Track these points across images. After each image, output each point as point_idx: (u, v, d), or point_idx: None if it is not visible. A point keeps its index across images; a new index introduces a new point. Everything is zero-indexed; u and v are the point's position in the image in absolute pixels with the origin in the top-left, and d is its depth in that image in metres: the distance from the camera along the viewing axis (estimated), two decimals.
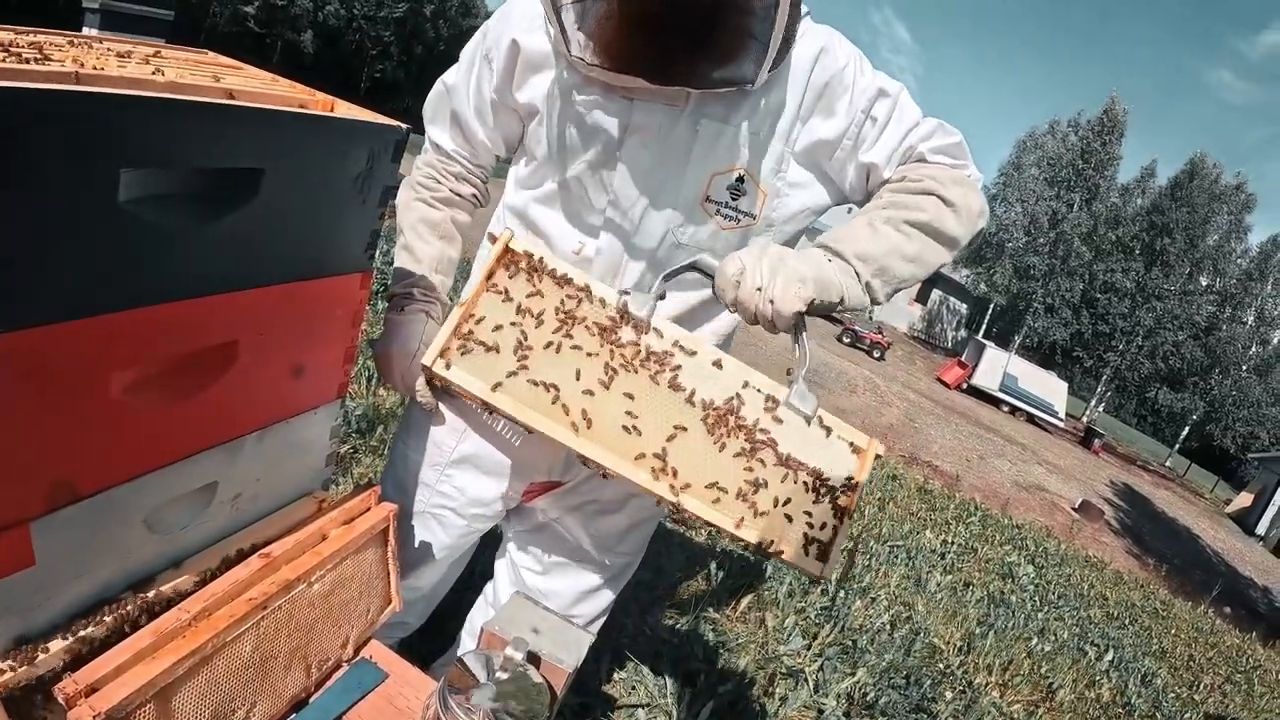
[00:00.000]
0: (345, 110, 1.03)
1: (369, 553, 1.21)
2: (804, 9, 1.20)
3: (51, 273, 0.73)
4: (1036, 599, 5.92)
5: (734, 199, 1.26)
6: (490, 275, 1.18)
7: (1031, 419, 27.46)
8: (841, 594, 4.00)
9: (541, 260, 1.18)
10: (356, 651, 1.19)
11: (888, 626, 3.96)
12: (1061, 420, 29.09)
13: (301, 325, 1.07)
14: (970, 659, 4.27)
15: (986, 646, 4.42)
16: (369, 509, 1.22)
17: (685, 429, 1.08)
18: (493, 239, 1.27)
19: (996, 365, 27.47)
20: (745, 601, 3.55)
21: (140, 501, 0.93)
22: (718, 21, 1.09)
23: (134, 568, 0.96)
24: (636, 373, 1.10)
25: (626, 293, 1.16)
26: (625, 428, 1.02)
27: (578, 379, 1.05)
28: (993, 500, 10.03)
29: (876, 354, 23.34)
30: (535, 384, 1.03)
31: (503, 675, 0.97)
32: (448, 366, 1.12)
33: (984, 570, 6.11)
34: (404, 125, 1.05)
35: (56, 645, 0.86)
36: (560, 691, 1.05)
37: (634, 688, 2.75)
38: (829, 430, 1.18)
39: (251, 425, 1.06)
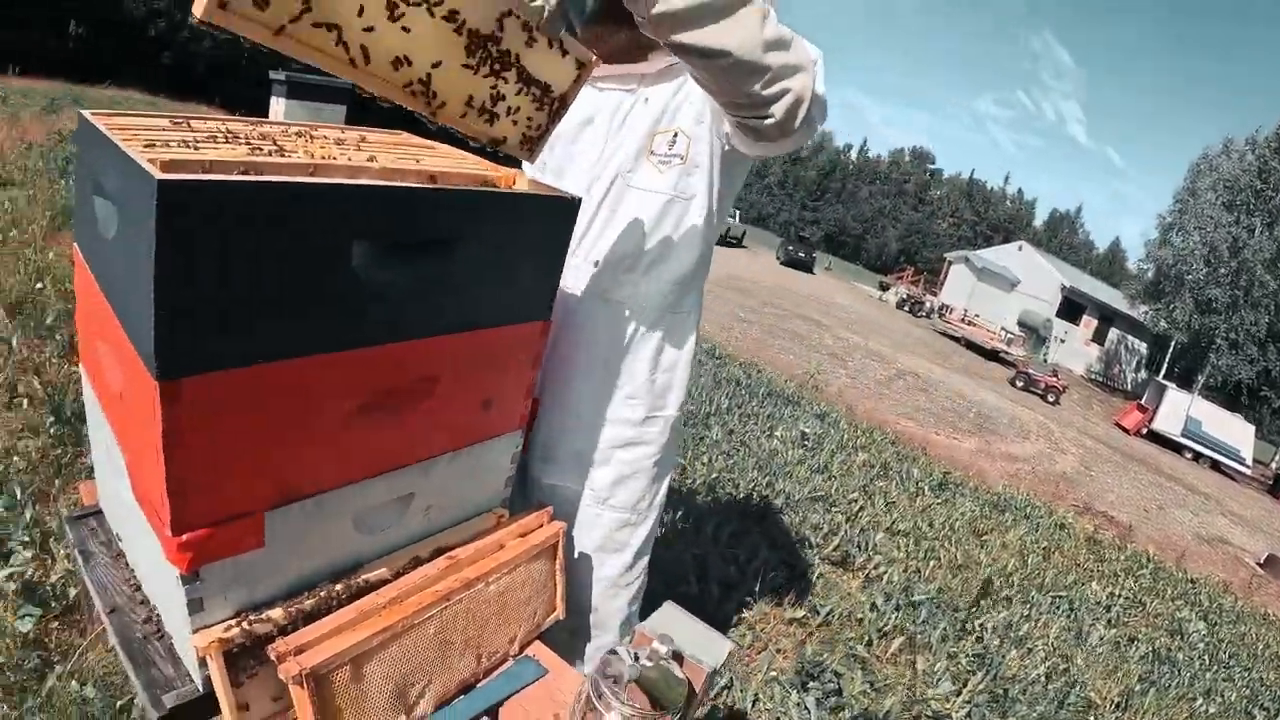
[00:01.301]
0: (524, 185, 1.21)
1: (539, 563, 1.34)
2: None
3: (296, 319, 0.91)
4: (1206, 657, 5.44)
5: (669, 148, 1.47)
6: None
7: (1216, 465, 25.29)
8: (996, 642, 3.88)
9: None
10: (521, 649, 1.31)
11: (1043, 678, 3.78)
12: (1248, 467, 26.60)
13: (490, 365, 1.23)
14: (1127, 716, 4.02)
15: (1146, 704, 4.14)
16: (542, 525, 1.37)
17: (447, 58, 1.06)
18: None
19: (1178, 408, 25.47)
20: (897, 644, 3.52)
21: (351, 504, 1.10)
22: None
23: (341, 558, 1.13)
24: (417, 6, 1.08)
25: None
26: (396, 59, 1.08)
27: (360, 15, 0.97)
28: (1168, 553, 9.32)
29: (1051, 398, 22.12)
30: (318, 25, 0.95)
31: (648, 664, 1.06)
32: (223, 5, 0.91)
33: (1151, 625, 5.68)
34: (577, 196, 1.23)
35: (274, 613, 1.03)
36: (700, 690, 1.12)
37: (779, 718, 2.81)
38: (566, 51, 1.15)
39: (445, 447, 1.22)
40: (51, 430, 3.08)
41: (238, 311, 0.86)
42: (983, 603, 4.43)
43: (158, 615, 1.16)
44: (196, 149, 0.94)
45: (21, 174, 7.63)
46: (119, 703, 1.96)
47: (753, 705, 2.80)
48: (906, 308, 34.11)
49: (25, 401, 3.29)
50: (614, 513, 1.64)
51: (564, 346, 1.55)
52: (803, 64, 1.17)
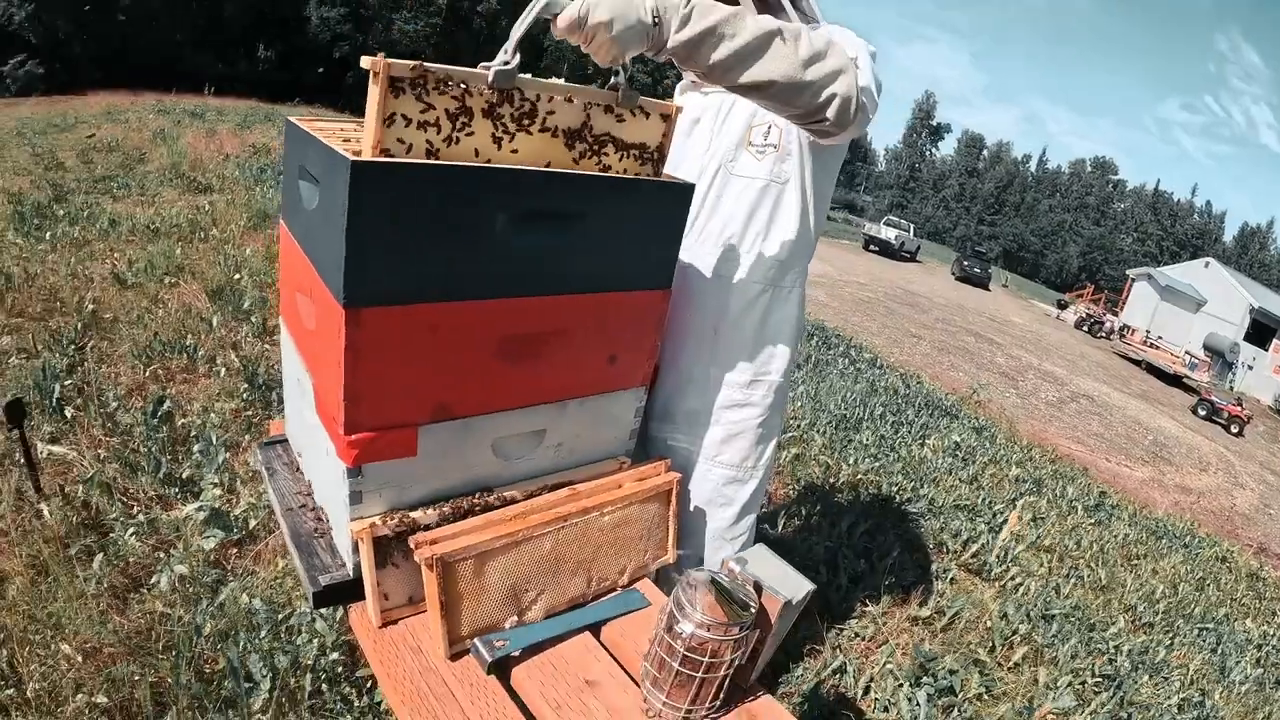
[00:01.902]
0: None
1: (653, 505, 1.48)
2: (813, 22, 1.57)
3: (458, 272, 1.13)
4: None
5: (765, 139, 1.61)
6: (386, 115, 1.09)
7: None
8: (1129, 666, 3.72)
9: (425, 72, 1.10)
10: (631, 582, 1.45)
11: (1174, 708, 3.60)
12: None
13: (616, 324, 1.39)
14: None
15: None
16: (660, 474, 1.52)
17: (555, 157, 1.23)
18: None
19: None
20: (1021, 653, 3.43)
21: (492, 430, 1.30)
22: None
23: (478, 476, 1.33)
24: (517, 133, 1.17)
25: (488, 67, 1.15)
26: None
27: (476, 156, 1.14)
28: None
29: (1235, 429, 20.25)
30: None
31: (722, 579, 1.16)
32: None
33: None
34: (690, 182, 1.41)
35: (416, 514, 1.23)
36: (774, 620, 1.23)
37: (888, 708, 2.84)
38: (648, 113, 1.31)
39: (575, 392, 1.40)
40: (244, 395, 3.56)
41: (407, 261, 1.08)
42: (1122, 624, 4.24)
43: (324, 516, 1.39)
44: None
45: (220, 181, 8.62)
46: (279, 615, 2.25)
47: (863, 694, 2.84)
48: (1085, 327, 32.07)
49: (223, 370, 3.82)
50: (722, 469, 1.76)
51: (679, 315, 1.69)
52: (842, 67, 1.30)
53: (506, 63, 1.12)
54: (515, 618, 1.26)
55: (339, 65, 35.46)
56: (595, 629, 1.33)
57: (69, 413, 3.18)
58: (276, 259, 5.63)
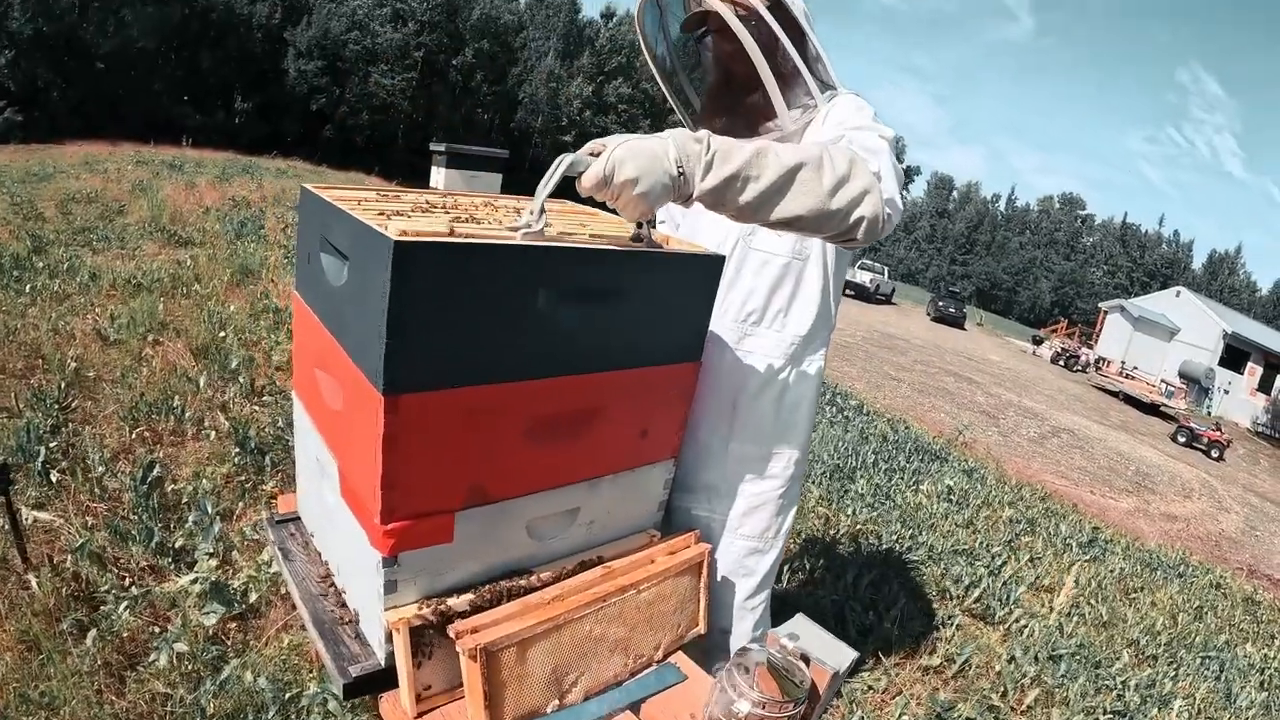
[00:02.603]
0: (676, 245, 1.38)
1: (685, 579, 1.45)
2: (828, 89, 1.63)
3: (492, 352, 1.10)
4: None
5: None
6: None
7: None
8: (1138, 700, 3.69)
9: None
10: (665, 656, 1.41)
11: None
12: None
13: (649, 398, 1.38)
14: None
15: None
16: (689, 546, 1.49)
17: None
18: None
19: None
20: (1033, 695, 3.39)
21: (526, 512, 1.26)
22: (749, 94, 1.57)
23: (512, 559, 1.29)
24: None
25: (515, 229, 1.17)
26: None
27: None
28: None
29: (1215, 453, 20.38)
30: None
31: (775, 656, 1.15)
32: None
33: None
34: (721, 254, 1.40)
35: (453, 600, 1.19)
36: (823, 691, 1.20)
37: None
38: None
39: (608, 469, 1.37)
40: (236, 460, 3.46)
41: (447, 344, 1.05)
42: (1126, 659, 4.21)
43: (347, 601, 1.34)
44: (409, 217, 1.16)
45: (201, 235, 8.56)
46: (287, 695, 2.17)
47: None
48: (1061, 362, 32.33)
49: (213, 433, 3.72)
50: (743, 541, 1.74)
51: (698, 387, 1.67)
52: (868, 187, 1.30)
53: (530, 225, 1.13)
54: (557, 701, 1.22)
55: (317, 118, 35.73)
56: (635, 707, 1.30)
57: (54, 476, 3.08)
58: (261, 315, 5.61)
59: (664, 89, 1.81)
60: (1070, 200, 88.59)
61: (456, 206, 1.39)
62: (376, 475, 1.06)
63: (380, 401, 1.01)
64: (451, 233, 1.05)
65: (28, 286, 5.55)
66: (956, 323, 36.71)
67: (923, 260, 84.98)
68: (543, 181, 1.13)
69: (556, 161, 1.13)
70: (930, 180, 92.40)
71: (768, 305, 1.65)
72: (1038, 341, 38.16)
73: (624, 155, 1.13)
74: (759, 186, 1.20)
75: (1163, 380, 29.20)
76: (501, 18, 44.76)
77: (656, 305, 1.31)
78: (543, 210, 1.13)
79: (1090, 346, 38.14)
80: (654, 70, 1.79)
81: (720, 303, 1.64)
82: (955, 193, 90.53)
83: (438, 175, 10.53)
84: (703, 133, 1.20)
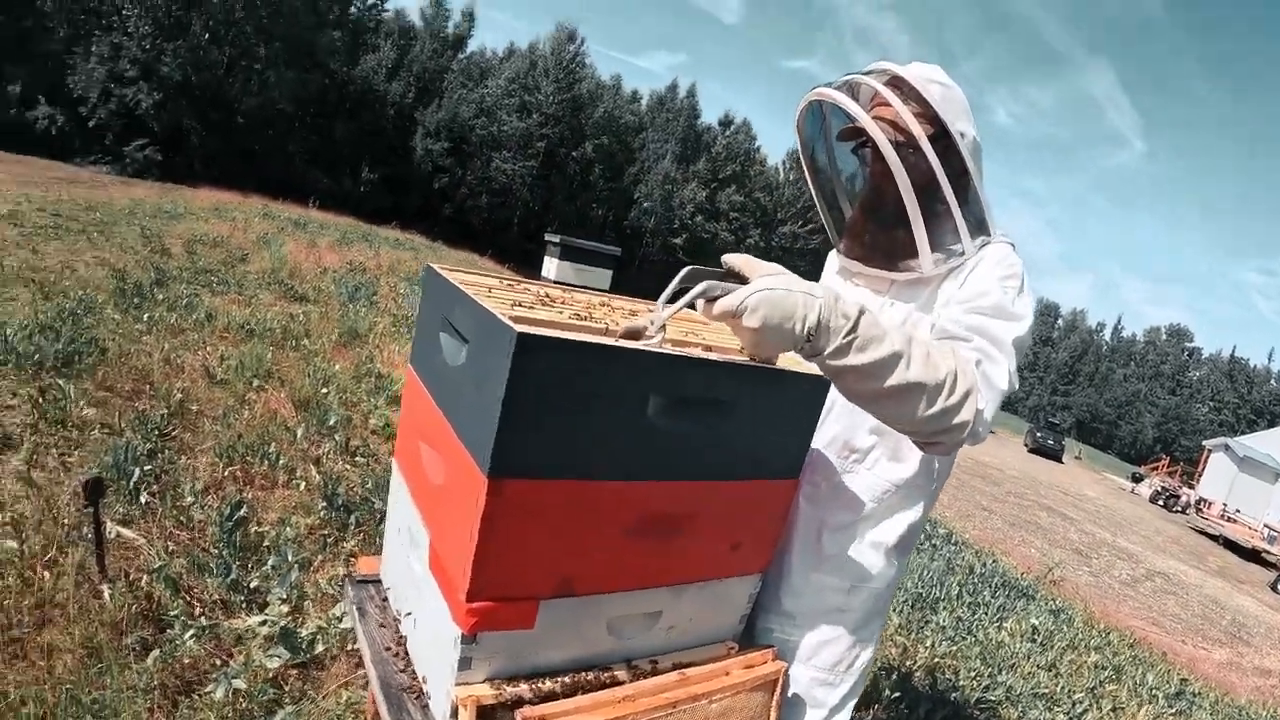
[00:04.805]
0: (784, 361, 1.36)
1: (758, 696, 1.40)
2: (981, 235, 1.54)
3: (599, 449, 1.11)
4: None
5: None
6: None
7: None
8: None
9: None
10: None
11: None
12: None
13: (744, 512, 1.36)
14: None
15: None
16: (766, 662, 1.45)
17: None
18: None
19: None
20: None
21: (610, 609, 1.25)
22: (894, 226, 1.50)
23: (589, 653, 1.27)
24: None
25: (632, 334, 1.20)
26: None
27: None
28: None
29: None
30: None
31: None
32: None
33: None
34: (827, 379, 1.34)
35: (524, 686, 1.18)
36: None
37: None
38: None
39: (695, 577, 1.35)
40: (321, 513, 3.53)
41: (555, 436, 1.06)
42: None
43: (418, 669, 1.33)
44: (531, 309, 1.21)
45: (316, 293, 8.92)
46: None
47: None
48: (1160, 501, 30.75)
49: (303, 484, 3.82)
50: (814, 671, 1.65)
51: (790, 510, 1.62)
52: (969, 420, 1.31)
53: (649, 336, 1.17)
54: None
55: (438, 195, 37.32)
56: None
57: (144, 498, 3.20)
58: (363, 378, 5.77)
59: (813, 194, 1.77)
60: (1178, 332, 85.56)
61: (576, 303, 1.43)
62: (469, 554, 1.07)
63: (484, 483, 1.03)
64: (571, 329, 1.09)
65: (145, 315, 5.88)
66: (1054, 455, 35.58)
67: (1023, 388, 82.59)
68: (675, 301, 1.17)
69: (687, 274, 1.18)
70: (1036, 307, 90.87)
71: (871, 446, 1.58)
72: (1137, 479, 36.53)
73: (759, 303, 1.14)
74: (871, 385, 1.24)
75: (1265, 525, 27.35)
76: (623, 117, 46.30)
77: (761, 420, 1.30)
78: (663, 327, 1.16)
79: (1191, 486, 36.18)
80: (806, 173, 1.76)
81: (822, 427, 1.59)
82: (1060, 320, 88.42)
83: (550, 265, 10.86)
84: (854, 307, 1.22)
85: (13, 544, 2.64)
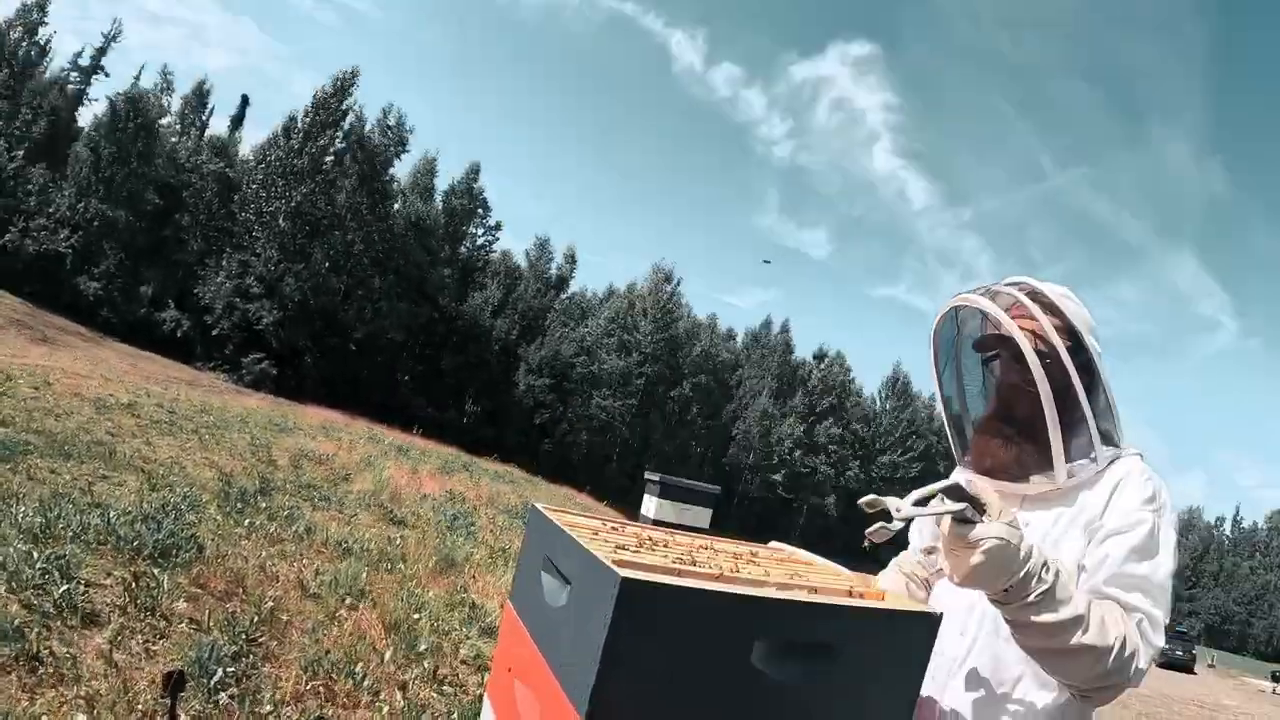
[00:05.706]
0: (891, 601, 1.36)
1: None
2: (1110, 445, 1.52)
3: (696, 695, 1.10)
4: None
5: None
6: None
7: None
8: None
9: None
10: None
11: None
12: None
13: None
14: None
15: None
16: None
17: None
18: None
19: None
20: None
21: None
22: (1027, 438, 1.51)
23: None
24: None
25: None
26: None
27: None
28: None
29: None
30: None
31: None
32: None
33: None
34: (938, 611, 1.31)
35: None
36: None
37: None
38: None
39: None
40: None
41: (654, 682, 1.07)
42: None
43: None
44: (635, 552, 1.26)
45: (414, 518, 9.09)
46: None
47: None
48: None
49: (386, 707, 3.78)
50: None
51: None
52: (1128, 680, 1.34)
53: (893, 522, 1.28)
54: None
55: (538, 429, 38.42)
56: None
57: (223, 699, 3.21)
58: (457, 607, 5.79)
59: (941, 409, 1.78)
60: None
61: (678, 545, 1.46)
62: None
63: None
64: (675, 574, 1.12)
65: (247, 521, 6.11)
66: (1185, 667, 32.51)
67: None
68: (921, 495, 1.25)
69: (950, 488, 1.27)
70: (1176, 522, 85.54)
71: (1021, 678, 1.47)
72: (1277, 679, 32.60)
73: (994, 547, 1.23)
74: (1049, 642, 1.29)
75: None
76: (720, 355, 47.69)
77: (868, 662, 1.25)
78: (906, 522, 1.24)
79: None
80: (936, 387, 1.77)
81: (961, 662, 1.54)
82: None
83: (650, 503, 10.95)
84: (1053, 568, 1.29)
85: (84, 718, 2.69)
